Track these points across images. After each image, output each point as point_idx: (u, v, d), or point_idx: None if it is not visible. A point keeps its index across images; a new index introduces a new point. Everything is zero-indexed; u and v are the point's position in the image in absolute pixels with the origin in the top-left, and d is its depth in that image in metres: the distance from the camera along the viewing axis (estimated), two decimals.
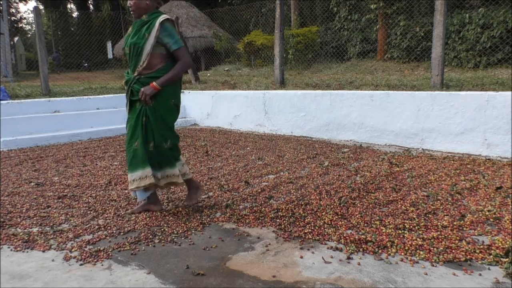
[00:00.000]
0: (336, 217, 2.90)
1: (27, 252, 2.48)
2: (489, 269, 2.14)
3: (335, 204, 3.15)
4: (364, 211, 3.00)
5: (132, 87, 2.90)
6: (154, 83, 2.81)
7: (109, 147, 5.85)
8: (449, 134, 5.01)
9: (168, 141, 2.95)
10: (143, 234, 2.69)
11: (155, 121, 2.87)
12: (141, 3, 2.88)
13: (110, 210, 3.17)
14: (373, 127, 5.70)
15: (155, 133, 2.88)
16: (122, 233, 2.72)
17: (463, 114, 4.87)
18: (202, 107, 8.14)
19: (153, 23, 2.84)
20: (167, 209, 3.19)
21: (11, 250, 2.50)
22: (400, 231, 2.61)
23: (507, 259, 2.15)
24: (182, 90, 8.52)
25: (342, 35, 11.79)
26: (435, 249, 2.33)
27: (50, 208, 3.24)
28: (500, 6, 8.18)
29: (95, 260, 2.33)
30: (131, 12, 2.96)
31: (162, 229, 2.77)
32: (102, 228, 2.82)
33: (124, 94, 3.11)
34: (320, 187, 3.64)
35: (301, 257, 2.32)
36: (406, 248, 2.36)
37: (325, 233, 2.62)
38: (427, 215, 2.89)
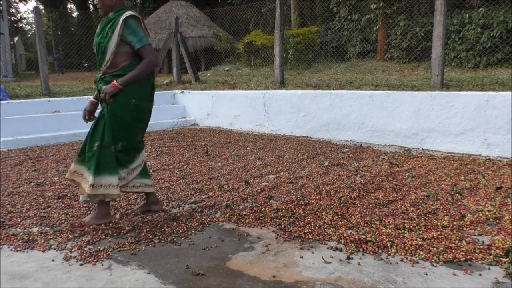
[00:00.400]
0: (336, 217, 2.90)
1: (27, 252, 2.47)
2: (489, 269, 2.14)
3: (335, 204, 3.15)
4: (364, 211, 3.00)
5: (98, 86, 2.83)
6: (115, 81, 2.69)
7: None
8: (449, 134, 5.01)
9: (120, 144, 2.76)
10: (143, 234, 2.69)
11: (109, 119, 2.73)
12: (106, 1, 2.79)
13: (110, 210, 3.16)
14: (373, 127, 5.70)
15: (106, 133, 2.73)
16: (122, 233, 2.72)
17: (463, 114, 4.87)
18: (202, 107, 8.14)
19: (117, 21, 2.72)
20: (167, 209, 3.19)
21: (11, 250, 2.50)
22: (400, 231, 2.61)
23: (507, 259, 2.15)
24: (182, 90, 8.65)
25: (342, 35, 11.79)
26: (435, 249, 2.33)
27: (50, 208, 3.24)
28: (500, 6, 8.18)
29: (95, 260, 2.33)
30: (99, 10, 2.86)
31: (162, 229, 2.77)
32: (102, 228, 2.81)
33: None
34: (320, 187, 3.64)
35: (301, 257, 2.32)
36: (406, 248, 2.36)
37: (325, 233, 2.62)
38: (427, 215, 2.89)
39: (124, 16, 2.72)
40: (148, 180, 3.00)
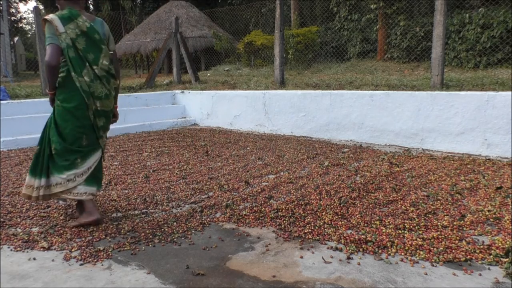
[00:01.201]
0: (336, 217, 2.90)
1: (27, 252, 2.48)
2: (489, 269, 2.14)
3: (335, 204, 3.15)
4: (364, 211, 3.00)
5: None
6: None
7: (109, 147, 5.84)
8: (449, 134, 5.01)
9: (53, 145, 2.74)
10: (143, 234, 2.69)
11: (48, 124, 2.82)
12: (59, 2, 2.80)
13: (110, 210, 3.17)
14: (373, 127, 5.70)
15: (44, 136, 2.82)
16: (122, 233, 2.72)
17: (463, 114, 4.87)
18: (202, 107, 8.14)
19: None
20: (167, 210, 3.20)
21: (11, 250, 2.50)
22: (400, 231, 2.61)
23: (507, 259, 2.15)
24: (182, 90, 8.65)
25: (342, 35, 11.79)
26: (435, 249, 2.33)
27: (50, 208, 3.24)
28: (500, 6, 8.18)
29: (95, 260, 2.33)
30: None
31: (162, 229, 2.77)
32: (102, 228, 2.81)
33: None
34: (320, 187, 3.64)
35: (301, 257, 2.32)
36: (406, 248, 2.36)
37: (325, 233, 2.62)
38: (427, 215, 2.89)
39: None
40: (94, 189, 2.86)
